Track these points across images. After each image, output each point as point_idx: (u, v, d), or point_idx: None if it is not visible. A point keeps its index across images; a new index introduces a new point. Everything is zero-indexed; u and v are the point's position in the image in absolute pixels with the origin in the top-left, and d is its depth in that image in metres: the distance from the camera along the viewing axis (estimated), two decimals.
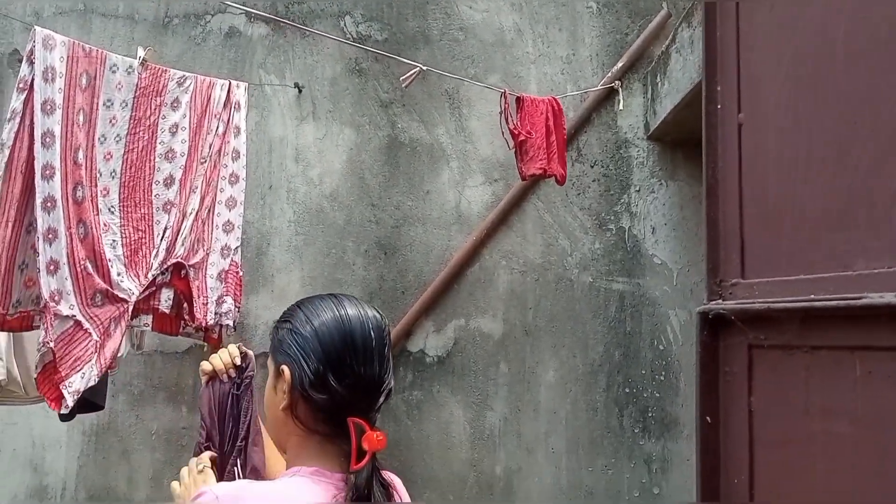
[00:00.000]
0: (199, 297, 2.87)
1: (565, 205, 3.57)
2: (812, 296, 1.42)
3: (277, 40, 3.71)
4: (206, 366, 1.80)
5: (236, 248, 3.08)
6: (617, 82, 3.55)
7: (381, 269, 3.57)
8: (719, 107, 1.79)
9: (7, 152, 2.29)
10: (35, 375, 2.34)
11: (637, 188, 3.60)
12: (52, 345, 2.32)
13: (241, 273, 3.10)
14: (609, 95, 3.63)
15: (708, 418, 1.66)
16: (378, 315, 1.27)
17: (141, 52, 2.80)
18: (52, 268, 2.30)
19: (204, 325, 2.89)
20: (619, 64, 3.65)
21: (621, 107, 3.55)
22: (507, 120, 3.00)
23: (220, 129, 3.03)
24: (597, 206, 3.58)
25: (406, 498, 1.29)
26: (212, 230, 3.00)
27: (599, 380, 3.45)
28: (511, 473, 3.40)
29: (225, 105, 3.06)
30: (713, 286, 1.70)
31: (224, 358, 1.79)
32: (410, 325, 3.51)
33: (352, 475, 1.13)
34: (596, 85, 3.62)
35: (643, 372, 3.46)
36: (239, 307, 3.07)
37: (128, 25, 3.75)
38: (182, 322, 2.92)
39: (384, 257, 3.58)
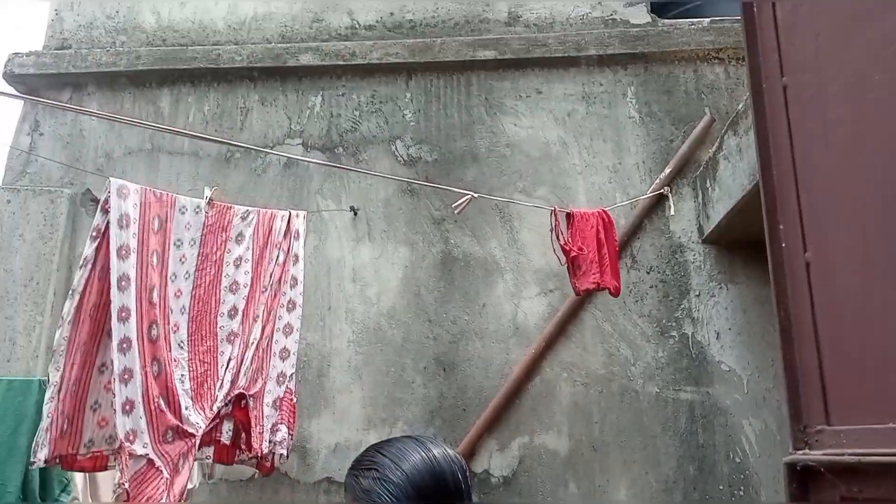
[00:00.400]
0: (256, 426, 2.89)
1: (624, 312, 3.53)
2: None
3: (333, 168, 3.87)
4: None
5: (291, 374, 3.12)
6: (666, 188, 3.57)
7: (440, 387, 3.55)
8: (784, 245, 1.76)
9: (77, 297, 2.41)
10: None
11: (697, 293, 3.54)
12: (126, 486, 2.35)
13: (294, 400, 3.12)
14: (659, 202, 3.64)
15: None
16: (458, 454, 1.23)
17: (207, 192, 2.96)
18: (127, 407, 2.37)
19: (259, 454, 2.90)
20: (667, 170, 3.68)
21: (672, 212, 3.55)
22: (557, 237, 3.03)
23: (281, 259, 3.13)
24: (657, 313, 3.53)
25: None
26: (270, 358, 3.05)
27: (675, 497, 3.30)
28: None
29: (285, 235, 3.18)
30: (798, 433, 1.62)
31: None
32: (473, 444, 3.44)
33: None
34: (645, 192, 3.64)
35: (721, 487, 3.29)
36: (293, 435, 3.08)
37: (192, 162, 3.97)
38: (237, 451, 2.94)
39: (443, 374, 3.57)
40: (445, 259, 3.72)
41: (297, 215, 3.27)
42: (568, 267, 3.04)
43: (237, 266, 2.97)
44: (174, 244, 2.78)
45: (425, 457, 1.17)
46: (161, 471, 2.47)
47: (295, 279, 3.22)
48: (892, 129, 1.47)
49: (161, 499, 2.46)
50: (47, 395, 2.33)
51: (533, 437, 3.44)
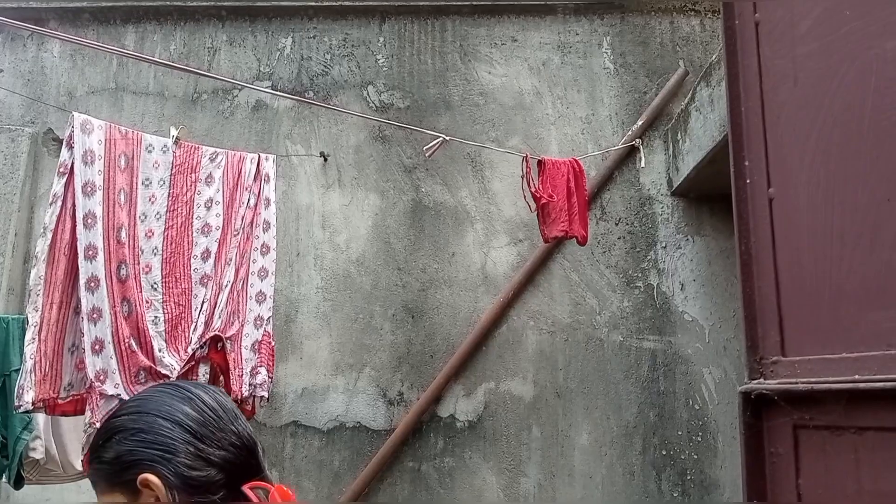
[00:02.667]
0: (234, 370, 2.88)
1: (591, 263, 3.56)
2: (856, 375, 1.39)
3: (303, 111, 3.80)
4: None
5: (269, 318, 3.10)
6: (637, 140, 3.57)
7: (408, 333, 3.57)
8: (748, 181, 1.78)
9: (50, 235, 2.35)
10: (82, 457, 2.34)
11: (663, 244, 3.58)
12: (97, 424, 2.33)
13: (273, 343, 3.11)
14: (630, 153, 3.64)
15: (755, 502, 1.62)
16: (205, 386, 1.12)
17: (174, 131, 2.89)
18: (97, 347, 2.34)
19: (240, 397, 2.89)
20: (639, 122, 3.68)
21: (643, 164, 3.56)
22: (528, 183, 3.02)
23: (252, 202, 3.09)
24: (623, 264, 3.57)
25: None
26: (246, 301, 3.03)
27: (635, 442, 3.38)
28: None
29: (255, 178, 3.13)
30: (753, 364, 1.66)
31: None
32: (440, 390, 3.48)
33: None
34: (616, 143, 3.65)
35: (679, 433, 3.38)
36: (272, 377, 3.08)
37: (158, 102, 3.87)
38: None
39: (412, 321, 3.58)
40: (416, 207, 3.70)
41: (267, 158, 3.22)
42: (538, 214, 3.04)
43: (208, 208, 2.92)
44: (142, 183, 2.72)
45: (169, 392, 1.04)
46: None
47: (267, 223, 3.18)
48: (861, 64, 1.48)
49: None
50: (28, 337, 2.28)
51: (498, 383, 3.48)
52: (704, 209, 3.62)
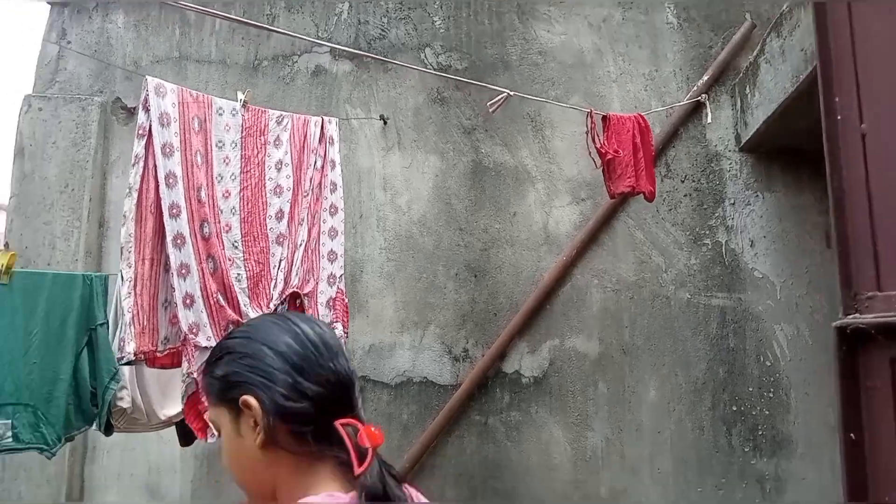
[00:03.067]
0: None
1: (657, 221, 3.53)
2: None
3: (361, 75, 3.82)
4: None
5: (341, 275, 3.17)
6: (703, 95, 3.50)
7: (472, 292, 3.60)
8: (839, 118, 1.74)
9: (135, 195, 2.43)
10: (182, 405, 2.44)
11: (732, 201, 3.53)
12: (195, 375, 2.42)
13: (346, 300, 3.18)
14: (696, 109, 3.58)
15: (852, 435, 1.60)
16: (319, 321, 1.13)
17: (241, 95, 2.95)
18: (188, 301, 2.43)
19: None
20: (705, 77, 3.61)
21: (709, 120, 3.49)
22: (593, 139, 3.00)
23: (318, 164, 3.14)
24: (690, 222, 3.52)
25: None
26: (318, 260, 3.10)
27: (704, 398, 3.37)
28: (617, 494, 3.33)
29: (320, 140, 3.18)
30: (848, 300, 1.64)
31: None
32: (504, 347, 3.51)
33: (361, 481, 0.95)
34: (681, 99, 3.59)
35: (750, 389, 3.35)
36: (347, 333, 3.15)
37: (220, 70, 3.94)
38: None
39: (474, 280, 3.61)
40: (476, 168, 3.70)
41: (330, 121, 3.27)
42: (603, 170, 3.02)
43: (278, 170, 2.99)
44: (216, 145, 2.79)
45: (277, 322, 1.08)
46: None
47: (334, 184, 3.23)
48: None
49: None
50: (123, 291, 2.37)
51: (563, 340, 3.50)
52: (774, 165, 3.54)
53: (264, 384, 1.01)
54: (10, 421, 2.69)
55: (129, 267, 2.38)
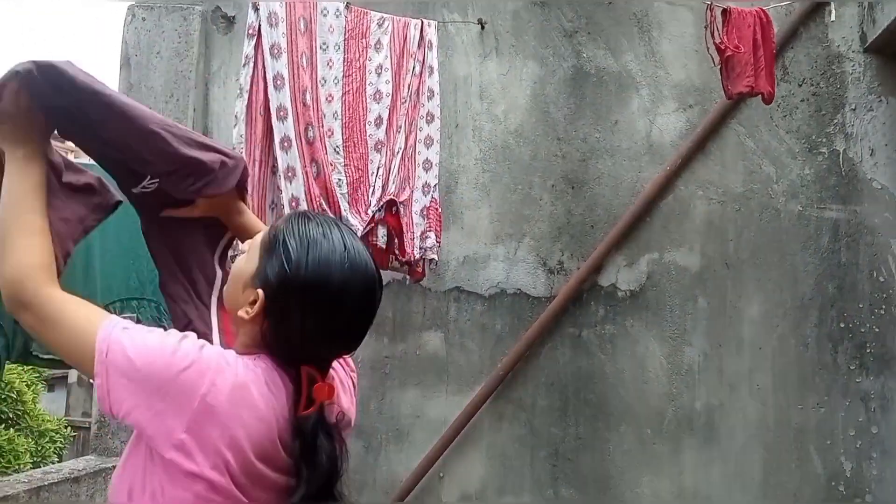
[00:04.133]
0: (407, 233, 2.99)
1: (769, 128, 3.34)
2: None
3: None
4: None
5: (435, 185, 3.17)
6: None
7: (568, 204, 3.54)
8: None
9: (246, 96, 2.47)
10: None
11: (852, 106, 3.29)
12: None
13: (440, 209, 3.19)
14: (818, 7, 3.32)
15: None
16: (370, 264, 1.08)
17: None
18: (293, 204, 2.49)
19: (412, 258, 3.02)
20: None
21: (833, 18, 3.24)
22: (712, 34, 2.82)
23: (417, 69, 3.11)
24: (806, 129, 3.32)
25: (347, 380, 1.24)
26: (414, 168, 3.10)
27: (810, 314, 3.25)
28: (712, 409, 3.31)
29: (419, 45, 3.13)
30: None
31: None
32: (601, 260, 3.46)
33: (298, 420, 1.01)
34: None
35: (860, 306, 3.21)
36: (440, 242, 3.17)
37: None
38: (391, 256, 3.07)
39: (571, 192, 3.54)
40: (577, 74, 3.57)
41: (430, 25, 3.21)
42: (720, 69, 2.85)
43: (378, 74, 2.97)
44: (321, 48, 2.79)
45: (332, 249, 1.04)
46: None
47: (431, 91, 3.20)
48: None
49: None
50: None
51: (663, 253, 3.42)
52: None
53: (277, 294, 1.03)
54: (135, 315, 2.85)
55: None
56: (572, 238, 3.52)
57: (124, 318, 2.91)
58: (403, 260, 3.04)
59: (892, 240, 3.21)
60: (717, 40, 2.80)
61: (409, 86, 3.05)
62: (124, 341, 0.96)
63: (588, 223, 3.51)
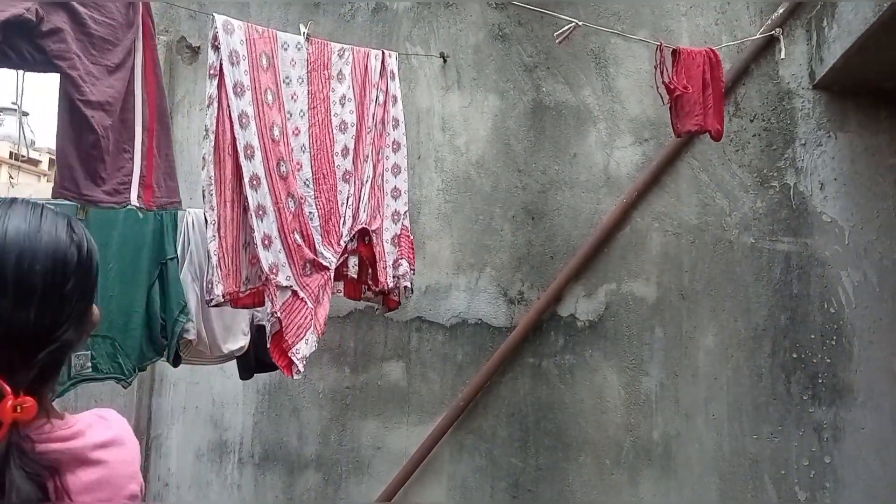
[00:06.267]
0: (380, 261, 3.01)
1: (723, 162, 3.42)
2: None
3: (422, 12, 3.77)
4: None
5: (405, 212, 3.21)
6: (777, 30, 3.33)
7: (528, 235, 3.58)
8: None
9: (212, 137, 2.47)
10: (268, 345, 2.50)
11: (802, 142, 3.38)
12: (279, 314, 2.48)
13: (412, 237, 3.21)
14: (769, 45, 3.41)
15: None
16: (70, 232, 0.90)
17: (304, 28, 2.95)
18: (266, 242, 2.47)
19: (386, 287, 3.02)
20: (779, 10, 3.42)
21: (783, 55, 3.33)
22: (662, 74, 2.90)
23: (381, 99, 3.13)
24: (758, 163, 3.40)
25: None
26: (384, 196, 3.12)
27: (764, 345, 3.31)
28: (669, 439, 3.34)
29: (381, 75, 3.16)
30: None
31: None
32: (560, 290, 3.50)
33: None
34: (754, 34, 3.42)
35: (812, 336, 3.27)
36: (413, 269, 3.19)
37: (282, 8, 3.94)
38: (363, 287, 3.08)
39: (532, 222, 3.59)
40: (536, 108, 3.64)
41: (390, 55, 3.25)
42: (670, 107, 2.93)
43: (342, 105, 2.97)
44: (284, 82, 2.79)
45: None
46: (305, 301, 2.60)
47: (396, 120, 3.22)
48: None
49: (310, 327, 2.60)
50: (209, 234, 2.42)
51: (620, 284, 3.47)
52: (849, 103, 3.37)
53: None
54: (89, 352, 2.81)
55: (212, 210, 2.42)
56: (532, 268, 3.56)
57: (79, 356, 2.86)
58: (377, 289, 3.04)
59: (842, 271, 3.28)
60: (667, 80, 2.88)
61: (373, 115, 3.08)
62: None
63: (548, 254, 3.56)
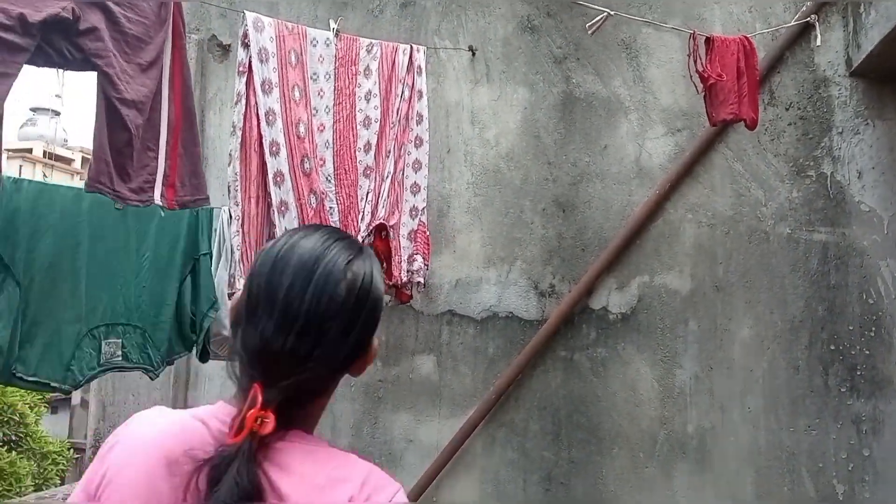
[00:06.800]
0: (395, 256, 3.02)
1: (758, 152, 3.37)
2: None
3: (450, 5, 3.76)
4: None
5: (423, 208, 3.21)
6: (812, 16, 3.28)
7: (559, 227, 3.57)
8: None
9: (239, 134, 2.51)
10: None
11: (839, 130, 3.32)
12: None
13: (428, 233, 3.23)
14: (804, 32, 3.35)
15: None
16: (346, 269, 0.91)
17: (333, 24, 2.97)
18: None
19: (399, 282, 3.05)
20: None
21: (818, 42, 3.28)
22: (695, 62, 2.86)
23: (406, 94, 3.15)
24: (794, 152, 3.35)
25: None
26: (403, 192, 3.14)
27: (801, 337, 3.26)
28: (704, 432, 3.31)
29: (408, 70, 3.17)
30: None
31: None
32: (592, 283, 3.48)
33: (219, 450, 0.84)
34: (788, 21, 3.36)
35: (850, 328, 3.22)
36: (428, 265, 3.20)
37: (310, 4, 3.95)
38: None
39: (562, 215, 3.57)
40: (566, 100, 3.62)
41: (418, 50, 3.25)
42: (704, 96, 2.89)
43: (367, 100, 3.00)
44: (311, 78, 2.82)
45: (280, 242, 0.94)
46: None
47: (420, 115, 3.23)
48: None
49: None
50: (233, 229, 2.46)
51: (653, 276, 3.44)
52: (887, 90, 3.30)
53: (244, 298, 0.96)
54: (120, 340, 2.85)
55: (237, 205, 2.47)
56: (563, 261, 3.54)
57: (109, 343, 2.90)
58: (390, 283, 3.06)
59: (881, 262, 3.22)
60: (701, 68, 2.84)
61: (397, 110, 3.09)
62: None
63: (579, 246, 3.54)
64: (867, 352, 3.19)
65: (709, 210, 3.40)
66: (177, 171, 2.50)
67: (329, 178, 2.77)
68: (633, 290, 3.46)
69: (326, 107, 2.78)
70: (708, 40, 2.89)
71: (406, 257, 3.13)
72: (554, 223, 3.57)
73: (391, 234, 3.01)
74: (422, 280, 3.17)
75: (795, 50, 3.39)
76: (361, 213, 2.89)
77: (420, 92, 3.22)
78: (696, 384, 3.33)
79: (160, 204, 2.44)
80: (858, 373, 3.19)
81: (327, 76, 2.80)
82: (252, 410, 0.84)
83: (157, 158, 2.42)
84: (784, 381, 3.26)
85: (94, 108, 2.29)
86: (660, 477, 3.32)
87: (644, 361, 3.40)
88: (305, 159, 2.62)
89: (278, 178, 2.53)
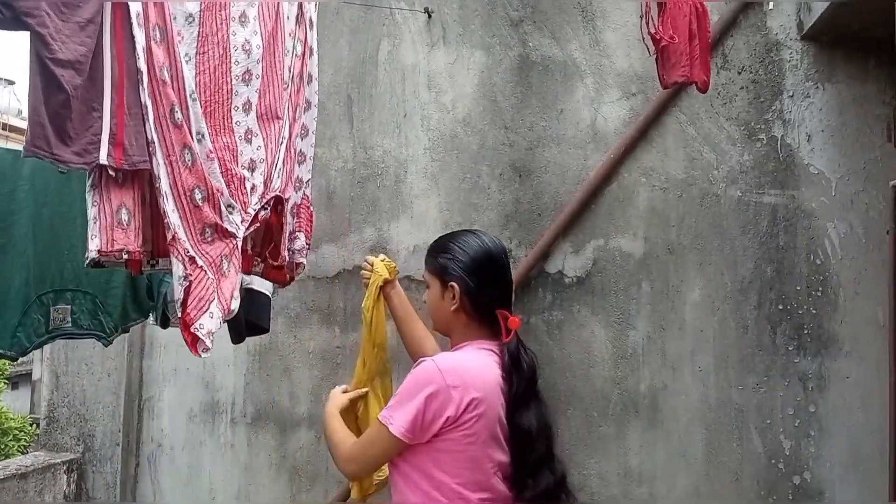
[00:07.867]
0: (283, 234, 2.63)
1: (710, 116, 3.40)
2: None
3: None
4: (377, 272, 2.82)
5: (308, 180, 2.82)
6: None
7: (516, 192, 3.57)
8: None
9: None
10: (179, 313, 2.17)
11: (790, 93, 3.36)
12: (191, 278, 2.12)
13: (312, 209, 2.84)
14: None
15: None
16: (501, 243, 2.19)
17: None
18: (166, 198, 2.09)
19: (284, 262, 2.67)
20: None
21: (771, 6, 3.30)
22: (647, 24, 2.86)
23: (299, 50, 2.69)
24: (745, 116, 3.38)
25: None
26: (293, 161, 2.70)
27: (750, 297, 3.33)
28: (656, 391, 3.38)
29: (299, 22, 2.68)
30: None
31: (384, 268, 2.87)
32: (548, 247, 3.50)
33: (505, 345, 1.99)
34: None
35: (798, 288, 3.29)
36: (310, 244, 2.82)
37: None
38: (256, 259, 2.66)
39: (519, 180, 3.58)
40: (523, 64, 3.60)
41: (309, 1, 2.74)
42: (657, 58, 2.88)
43: (247, 52, 2.40)
44: (173, 18, 2.22)
45: (483, 245, 2.09)
46: (205, 271, 2.18)
47: (310, 75, 2.79)
48: None
49: (212, 300, 2.18)
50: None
51: (608, 240, 3.47)
52: (838, 54, 3.34)
53: (467, 282, 2.04)
54: (70, 306, 2.79)
55: None
56: (520, 226, 3.56)
57: (58, 309, 2.84)
58: (276, 264, 2.64)
59: (829, 223, 3.28)
60: (653, 30, 2.84)
61: (289, 68, 2.60)
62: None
63: (535, 211, 3.55)
64: (814, 311, 3.28)
65: (662, 174, 3.43)
66: (123, 130, 2.38)
67: (202, 136, 2.26)
68: (588, 253, 3.49)
69: (186, 54, 2.24)
70: (660, 3, 2.88)
71: (287, 234, 2.67)
72: (511, 188, 3.58)
73: (285, 207, 2.58)
74: (303, 261, 2.76)
75: (748, 13, 3.41)
76: (252, 184, 2.41)
77: (311, 48, 2.77)
78: (648, 344, 3.40)
79: (107, 164, 2.33)
80: (805, 332, 3.28)
81: (190, 18, 2.23)
82: (511, 319, 2.03)
83: (101, 118, 2.32)
84: (733, 341, 3.33)
85: (28, 70, 2.20)
86: (613, 435, 3.39)
87: (598, 323, 3.45)
88: (175, 108, 2.14)
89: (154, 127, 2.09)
